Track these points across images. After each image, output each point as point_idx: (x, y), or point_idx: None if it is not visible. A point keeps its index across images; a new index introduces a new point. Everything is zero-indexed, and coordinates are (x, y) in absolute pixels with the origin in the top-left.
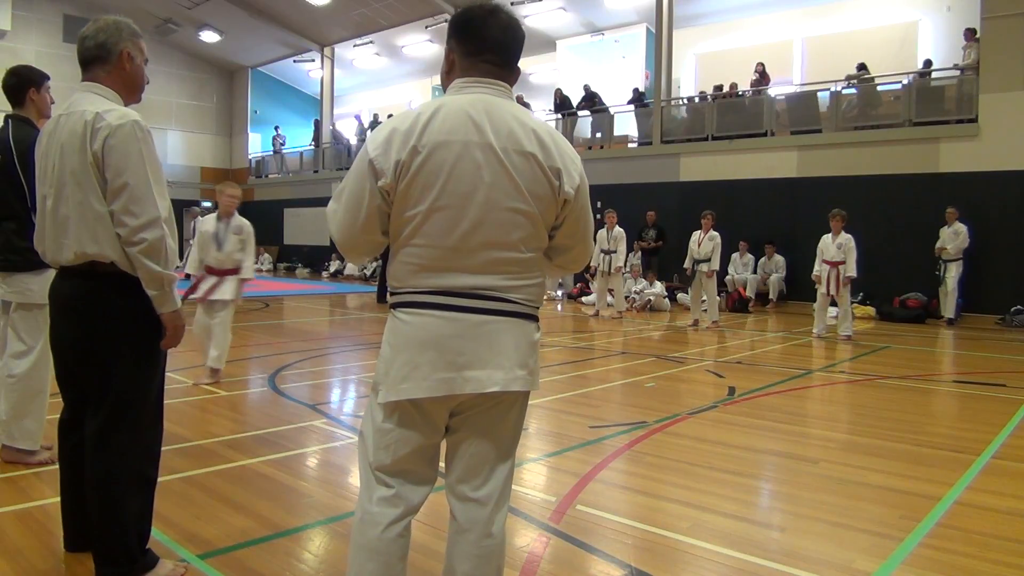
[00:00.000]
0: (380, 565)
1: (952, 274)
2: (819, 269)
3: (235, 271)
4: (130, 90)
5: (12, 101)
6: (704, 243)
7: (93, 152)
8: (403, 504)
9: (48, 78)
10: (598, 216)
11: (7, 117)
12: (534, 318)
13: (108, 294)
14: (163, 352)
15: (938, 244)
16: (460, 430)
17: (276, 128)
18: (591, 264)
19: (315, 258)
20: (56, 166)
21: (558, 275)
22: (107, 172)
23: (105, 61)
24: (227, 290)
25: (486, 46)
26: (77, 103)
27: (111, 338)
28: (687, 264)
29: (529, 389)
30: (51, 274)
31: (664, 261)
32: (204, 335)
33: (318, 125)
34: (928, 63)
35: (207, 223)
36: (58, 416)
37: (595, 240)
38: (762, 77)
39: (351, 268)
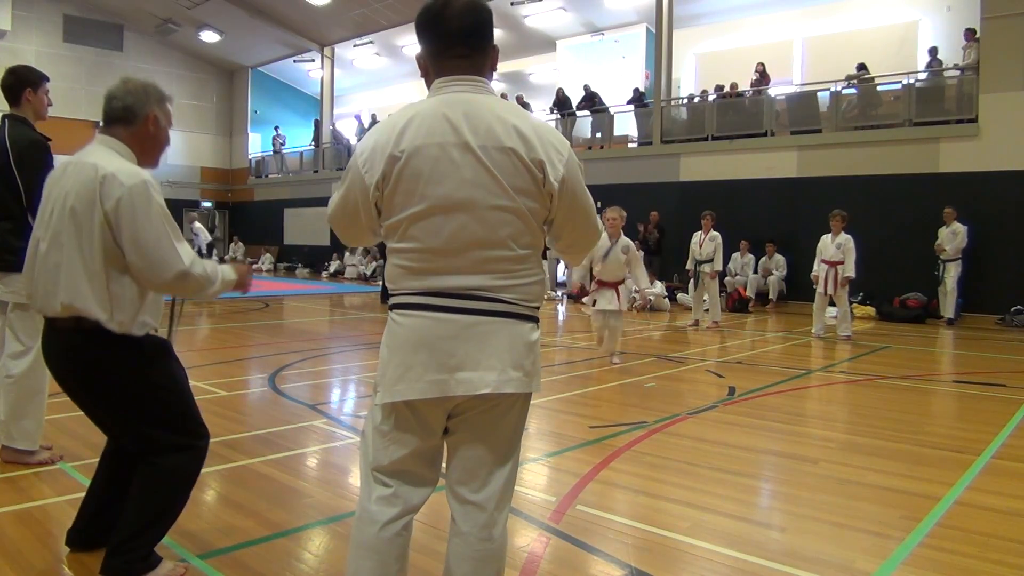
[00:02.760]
0: (376, 563)
1: (951, 274)
2: (818, 269)
3: (619, 283)
4: (148, 153)
5: (9, 100)
6: (705, 244)
7: (105, 212)
8: (401, 504)
9: (47, 79)
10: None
11: (4, 116)
12: (531, 318)
13: (95, 352)
14: (174, 379)
15: (937, 242)
16: (457, 432)
17: (276, 128)
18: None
19: (315, 258)
20: (56, 213)
21: (570, 260)
22: (123, 232)
23: (130, 123)
24: (615, 301)
25: (450, 40)
26: (88, 154)
27: (110, 393)
28: (689, 265)
29: (525, 391)
30: None
31: (664, 261)
32: (602, 334)
33: (318, 125)
34: (934, 50)
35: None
36: (56, 416)
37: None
38: (762, 77)
39: (351, 269)
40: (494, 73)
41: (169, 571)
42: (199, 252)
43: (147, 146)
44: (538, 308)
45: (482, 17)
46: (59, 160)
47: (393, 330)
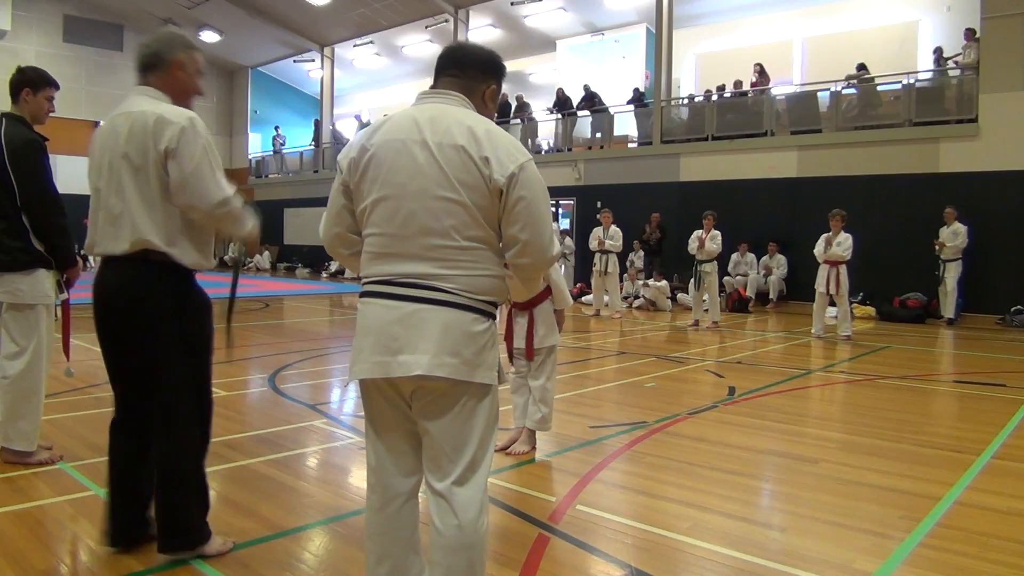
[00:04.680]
0: (376, 544)
1: (951, 274)
2: (820, 247)
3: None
4: (180, 96)
5: (11, 98)
6: (707, 243)
7: (160, 152)
8: (385, 491)
9: (52, 85)
10: (596, 216)
11: (1, 115)
12: (475, 310)
13: (158, 279)
14: (210, 339)
15: (937, 241)
16: (418, 422)
17: (276, 128)
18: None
19: (315, 258)
20: (112, 161)
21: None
22: (174, 166)
23: (157, 68)
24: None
25: (446, 62)
26: (132, 104)
27: (161, 322)
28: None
29: (462, 378)
30: (42, 274)
31: (665, 260)
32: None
33: (318, 125)
34: (939, 50)
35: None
36: (56, 416)
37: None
38: (762, 77)
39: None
40: (494, 113)
41: (220, 545)
42: None
43: (178, 90)
44: (492, 304)
45: (486, 57)
46: (55, 159)
47: (357, 316)
